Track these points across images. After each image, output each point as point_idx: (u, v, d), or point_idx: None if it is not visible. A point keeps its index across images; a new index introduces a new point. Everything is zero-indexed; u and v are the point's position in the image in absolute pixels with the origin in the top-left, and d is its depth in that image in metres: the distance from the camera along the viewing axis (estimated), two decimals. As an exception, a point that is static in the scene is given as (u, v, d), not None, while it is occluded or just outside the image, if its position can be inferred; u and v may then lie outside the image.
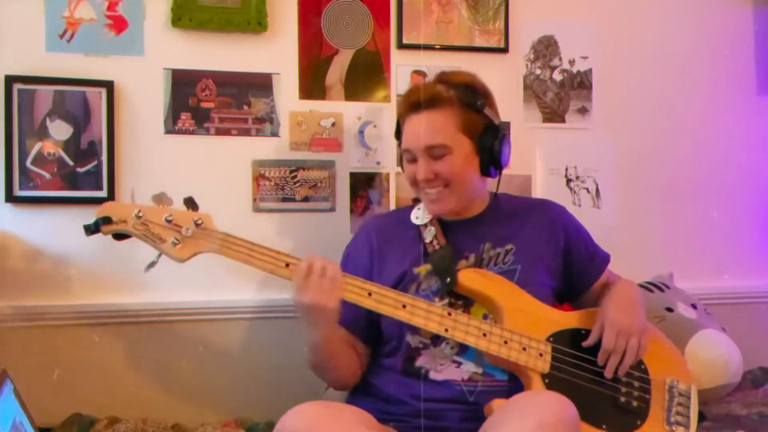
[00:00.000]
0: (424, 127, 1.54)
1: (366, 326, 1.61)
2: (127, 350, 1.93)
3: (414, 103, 1.56)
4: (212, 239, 1.47)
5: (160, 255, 1.48)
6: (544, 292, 1.62)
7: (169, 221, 1.46)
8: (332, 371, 1.61)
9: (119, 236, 1.49)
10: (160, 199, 1.48)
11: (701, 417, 1.71)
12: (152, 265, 1.48)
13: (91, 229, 1.45)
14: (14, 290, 1.86)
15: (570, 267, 1.67)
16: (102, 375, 1.90)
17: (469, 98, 1.56)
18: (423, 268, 1.60)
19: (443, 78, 1.61)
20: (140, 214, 1.45)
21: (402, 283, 1.58)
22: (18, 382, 1.39)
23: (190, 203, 1.49)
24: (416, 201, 1.72)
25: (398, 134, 1.65)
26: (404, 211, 1.72)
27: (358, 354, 1.63)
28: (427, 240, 1.61)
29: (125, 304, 1.90)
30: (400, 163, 1.68)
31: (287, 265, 1.47)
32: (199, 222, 1.47)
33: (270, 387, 1.98)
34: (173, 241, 1.45)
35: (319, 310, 1.44)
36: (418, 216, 1.66)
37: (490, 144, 1.58)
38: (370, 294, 1.48)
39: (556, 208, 1.73)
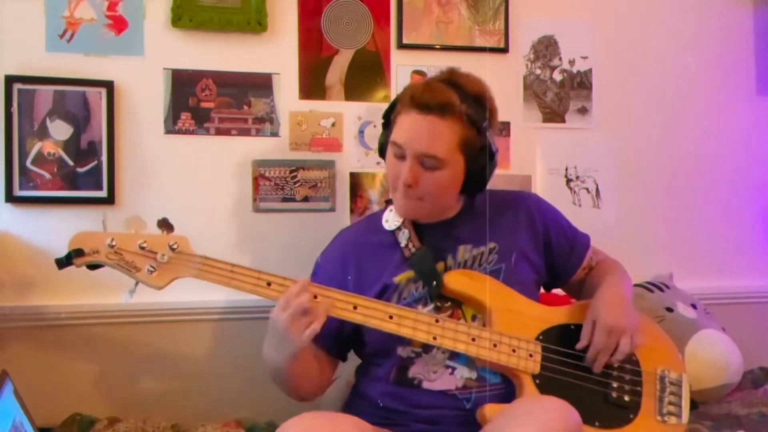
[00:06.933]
0: (426, 132, 1.47)
1: (335, 339, 1.57)
2: (127, 350, 1.93)
3: (422, 103, 1.47)
4: (190, 264, 1.43)
5: (137, 283, 1.43)
6: (530, 287, 1.60)
7: (143, 248, 1.41)
8: (289, 389, 1.57)
9: (93, 266, 1.43)
10: (132, 223, 1.43)
11: (693, 405, 1.70)
12: (130, 294, 1.44)
13: (63, 263, 1.39)
14: (14, 290, 1.86)
15: (551, 256, 1.65)
16: (102, 375, 1.90)
17: (477, 116, 1.49)
18: (403, 276, 1.55)
19: (456, 81, 1.51)
20: (113, 243, 1.40)
21: (384, 295, 1.54)
22: (18, 382, 1.39)
23: (165, 225, 1.44)
24: (389, 203, 1.65)
25: (389, 123, 1.56)
26: (377, 217, 1.65)
27: (322, 368, 1.58)
28: (402, 244, 1.57)
29: (125, 304, 1.88)
30: (381, 153, 1.60)
31: (269, 284, 1.44)
32: (175, 246, 1.42)
33: (270, 387, 1.95)
34: (149, 268, 1.41)
35: (288, 341, 1.39)
36: (389, 219, 1.61)
37: (481, 167, 1.52)
38: (355, 307, 1.44)
39: (532, 198, 1.70)
